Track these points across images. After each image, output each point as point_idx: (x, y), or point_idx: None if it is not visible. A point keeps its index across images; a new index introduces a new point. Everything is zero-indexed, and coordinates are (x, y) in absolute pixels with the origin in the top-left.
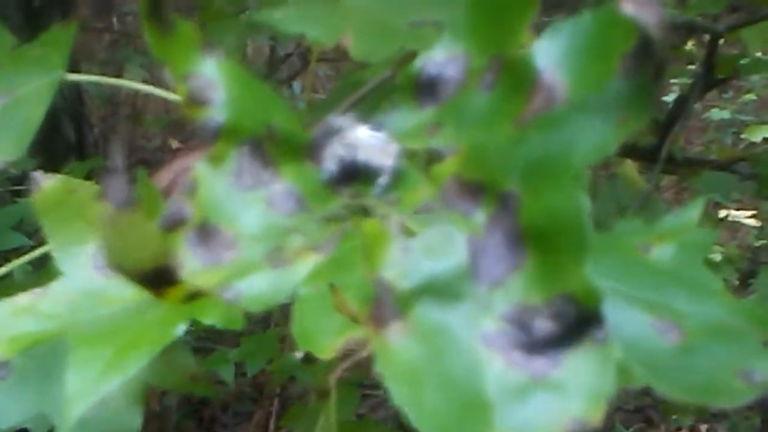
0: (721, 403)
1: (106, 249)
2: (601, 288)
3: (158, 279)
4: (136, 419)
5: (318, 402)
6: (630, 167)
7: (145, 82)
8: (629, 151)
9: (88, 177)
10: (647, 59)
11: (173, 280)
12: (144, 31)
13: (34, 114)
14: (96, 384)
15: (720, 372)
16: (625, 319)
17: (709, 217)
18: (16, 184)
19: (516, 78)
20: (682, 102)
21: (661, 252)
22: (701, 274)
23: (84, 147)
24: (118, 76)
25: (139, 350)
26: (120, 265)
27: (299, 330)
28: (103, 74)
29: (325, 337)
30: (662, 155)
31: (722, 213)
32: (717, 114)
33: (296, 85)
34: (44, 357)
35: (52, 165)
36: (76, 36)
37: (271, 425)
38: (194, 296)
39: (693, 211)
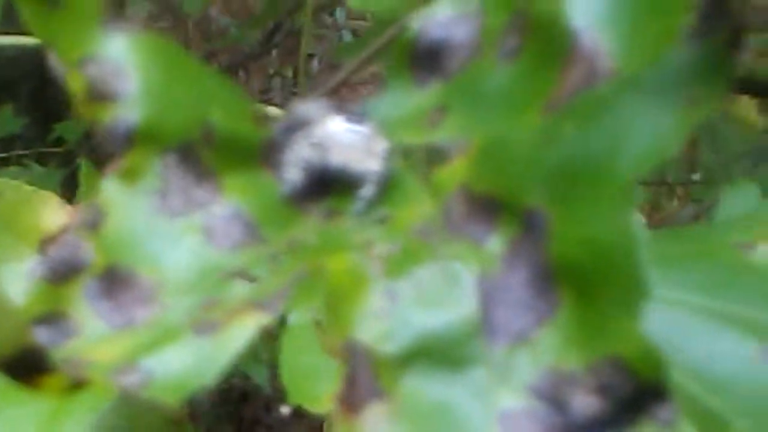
0: None
1: None
2: (687, 302)
3: (24, 366)
4: None
5: None
6: (747, 106)
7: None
8: (746, 85)
9: (86, 137)
10: (721, 17)
11: (44, 366)
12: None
13: None
14: None
15: None
16: (721, 347)
17: None
18: (2, 149)
19: (546, 43)
20: None
21: None
22: None
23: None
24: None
25: (85, 404)
26: None
27: (288, 374)
28: None
29: (320, 384)
30: None
31: None
32: None
33: (340, 11)
34: None
35: (43, 124)
36: None
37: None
38: (81, 384)
39: None
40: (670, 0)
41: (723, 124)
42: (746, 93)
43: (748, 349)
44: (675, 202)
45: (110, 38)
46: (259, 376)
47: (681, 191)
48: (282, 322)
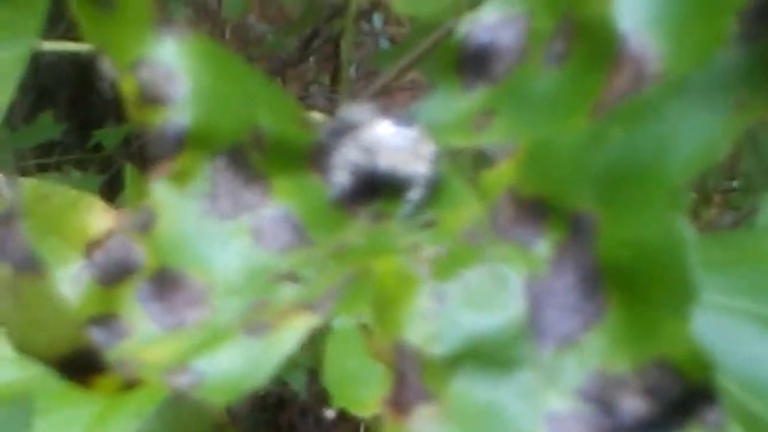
0: None
1: (6, 326)
2: (730, 307)
3: (78, 365)
4: None
5: None
6: None
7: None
8: None
9: (125, 142)
10: None
11: (98, 365)
12: (71, 1)
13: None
14: None
15: None
16: (764, 351)
17: None
18: (42, 156)
19: (593, 47)
20: None
21: None
22: None
23: (122, 105)
24: None
25: (130, 409)
26: (26, 348)
27: (332, 378)
28: None
29: (365, 388)
30: None
31: None
32: None
33: (377, 17)
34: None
35: (83, 129)
36: None
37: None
38: (134, 384)
39: None
40: (717, 3)
41: (763, 132)
42: None
43: None
44: (713, 210)
45: (161, 42)
46: (297, 383)
47: (719, 199)
48: (325, 326)
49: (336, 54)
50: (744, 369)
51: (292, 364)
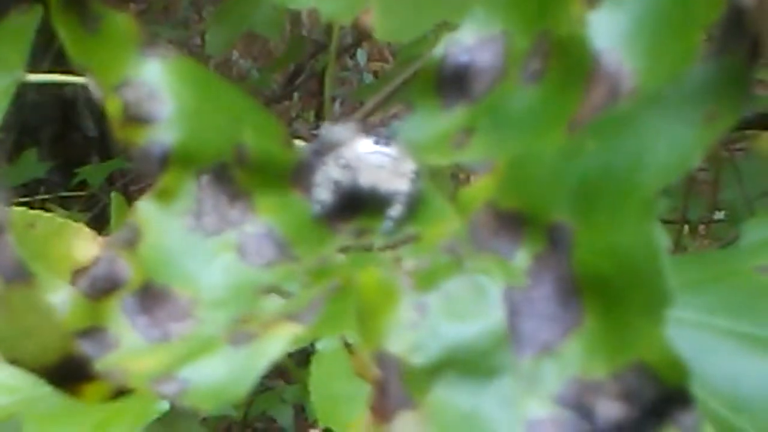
0: None
1: None
2: (710, 324)
3: (67, 374)
4: None
5: None
6: None
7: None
8: (766, 121)
9: (109, 180)
10: (739, 34)
11: (86, 374)
12: (56, 25)
13: None
14: None
15: None
16: (744, 368)
17: None
18: (26, 194)
19: (570, 64)
20: None
21: None
22: None
23: (106, 143)
24: None
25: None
26: (15, 357)
27: (318, 398)
28: None
29: (350, 408)
30: None
31: None
32: None
33: (361, 53)
34: None
35: (68, 167)
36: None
37: None
38: (123, 392)
39: None
40: (688, 20)
41: (746, 161)
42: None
43: None
44: (697, 242)
45: (146, 63)
46: (284, 418)
47: (703, 230)
48: (311, 351)
49: (320, 90)
50: (723, 385)
51: (279, 399)
